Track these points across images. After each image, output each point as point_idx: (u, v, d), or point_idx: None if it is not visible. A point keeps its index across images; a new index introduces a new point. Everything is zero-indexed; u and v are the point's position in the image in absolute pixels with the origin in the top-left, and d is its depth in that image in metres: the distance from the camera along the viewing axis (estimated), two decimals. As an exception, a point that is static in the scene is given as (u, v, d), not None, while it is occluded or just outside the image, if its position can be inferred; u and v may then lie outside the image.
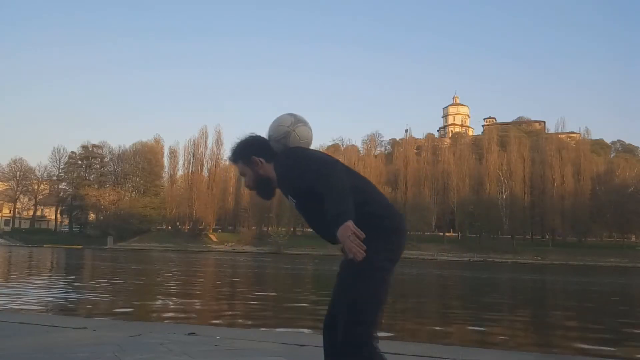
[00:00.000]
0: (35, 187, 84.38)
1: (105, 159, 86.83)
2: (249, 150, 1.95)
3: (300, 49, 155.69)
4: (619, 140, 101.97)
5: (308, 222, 1.88)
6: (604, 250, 62.91)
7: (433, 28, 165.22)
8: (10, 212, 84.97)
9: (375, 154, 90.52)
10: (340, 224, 1.54)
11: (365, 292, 1.63)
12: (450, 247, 67.03)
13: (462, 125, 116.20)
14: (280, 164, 1.86)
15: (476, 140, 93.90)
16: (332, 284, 1.78)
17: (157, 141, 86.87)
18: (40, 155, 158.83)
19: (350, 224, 1.53)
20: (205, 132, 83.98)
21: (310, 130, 1.97)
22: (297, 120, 1.93)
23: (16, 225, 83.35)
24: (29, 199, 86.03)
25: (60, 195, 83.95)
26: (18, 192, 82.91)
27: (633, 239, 69.41)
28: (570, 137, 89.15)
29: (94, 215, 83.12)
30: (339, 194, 1.60)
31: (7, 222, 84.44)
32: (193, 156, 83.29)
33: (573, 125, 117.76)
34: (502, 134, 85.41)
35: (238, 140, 2.00)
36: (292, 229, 75.77)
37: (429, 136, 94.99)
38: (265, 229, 75.06)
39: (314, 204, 1.72)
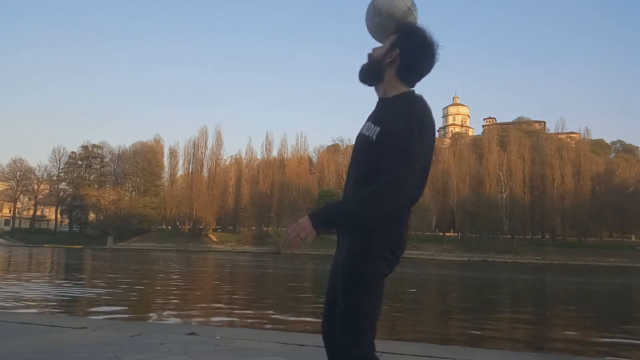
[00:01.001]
0: (35, 187, 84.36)
1: (105, 159, 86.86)
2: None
3: (299, 49, 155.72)
4: (619, 140, 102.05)
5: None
6: (604, 250, 62.90)
7: (433, 28, 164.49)
8: (10, 212, 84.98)
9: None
10: (317, 219, 1.44)
11: (369, 298, 1.53)
12: (450, 247, 67.01)
13: (462, 125, 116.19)
14: (418, 121, 1.52)
15: (476, 140, 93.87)
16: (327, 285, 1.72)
17: (157, 141, 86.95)
18: (40, 155, 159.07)
19: (308, 224, 1.43)
20: (205, 132, 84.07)
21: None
22: (414, 4, 1.67)
23: (16, 225, 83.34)
24: (29, 199, 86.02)
25: (60, 195, 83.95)
26: (18, 192, 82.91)
27: (633, 239, 69.38)
28: (570, 137, 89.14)
29: (94, 215, 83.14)
30: (378, 209, 1.44)
31: (7, 222, 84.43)
32: (193, 156, 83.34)
33: (573, 125, 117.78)
34: (502, 134, 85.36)
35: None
36: (292, 229, 75.67)
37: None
38: (265, 229, 75.06)
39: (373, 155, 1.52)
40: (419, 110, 1.55)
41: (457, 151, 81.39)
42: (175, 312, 8.51)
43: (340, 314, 1.53)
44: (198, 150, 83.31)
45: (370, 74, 1.67)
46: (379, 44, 1.70)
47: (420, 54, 1.61)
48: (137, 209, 75.98)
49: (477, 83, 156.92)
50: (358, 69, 1.69)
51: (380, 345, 1.70)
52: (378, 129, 1.54)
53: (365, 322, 1.51)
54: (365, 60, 1.70)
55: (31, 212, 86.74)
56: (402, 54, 1.60)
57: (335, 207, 1.51)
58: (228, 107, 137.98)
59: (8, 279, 14.80)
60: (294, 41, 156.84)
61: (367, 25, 1.71)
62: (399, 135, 1.48)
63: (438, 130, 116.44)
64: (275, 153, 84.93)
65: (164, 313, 8.37)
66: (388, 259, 1.54)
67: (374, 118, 1.61)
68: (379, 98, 1.67)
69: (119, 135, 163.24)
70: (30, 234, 77.88)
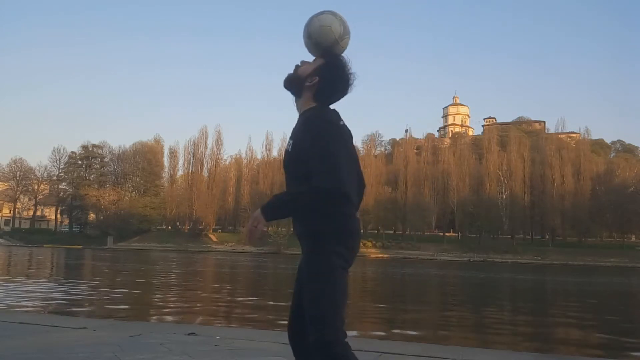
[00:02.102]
0: (35, 187, 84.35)
1: (105, 159, 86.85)
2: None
3: (299, 49, 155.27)
4: (619, 140, 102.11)
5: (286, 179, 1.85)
6: (604, 250, 62.92)
7: (433, 28, 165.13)
8: (10, 212, 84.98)
9: (375, 154, 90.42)
10: (266, 209, 1.64)
11: (328, 290, 1.65)
12: (450, 247, 67.01)
13: (462, 125, 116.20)
14: (312, 129, 1.72)
15: (476, 140, 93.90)
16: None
17: (157, 141, 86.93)
18: (40, 155, 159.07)
19: (260, 216, 1.64)
20: (205, 132, 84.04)
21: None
22: (346, 33, 1.84)
23: (16, 225, 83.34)
24: (29, 199, 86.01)
25: (60, 195, 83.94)
26: (18, 192, 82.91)
27: (633, 239, 69.41)
28: (570, 137, 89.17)
29: (94, 215, 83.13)
30: (301, 204, 1.67)
31: (7, 222, 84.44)
32: (193, 156, 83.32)
33: (573, 125, 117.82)
34: (502, 134, 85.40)
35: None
36: (292, 229, 75.51)
37: (429, 136, 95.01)
38: (265, 229, 74.79)
39: (296, 172, 1.73)
40: (314, 121, 1.75)
41: (457, 151, 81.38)
42: (175, 312, 8.51)
43: (306, 307, 1.66)
44: (198, 150, 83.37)
45: (292, 88, 1.86)
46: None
47: (336, 85, 1.82)
48: (137, 209, 75.98)
49: (477, 83, 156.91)
50: (285, 75, 1.88)
51: (380, 345, 1.70)
52: (292, 142, 1.78)
53: (327, 310, 1.62)
54: (292, 70, 1.87)
55: (31, 212, 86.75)
56: (321, 82, 1.80)
57: (278, 197, 1.71)
58: (228, 107, 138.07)
59: (8, 279, 14.80)
60: (294, 41, 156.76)
61: (303, 40, 1.89)
62: (302, 147, 1.70)
63: (438, 130, 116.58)
64: (275, 153, 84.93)
65: (164, 313, 8.37)
66: (341, 253, 1.67)
67: (293, 133, 1.82)
68: (298, 112, 1.86)
69: (119, 135, 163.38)
70: (30, 234, 77.88)
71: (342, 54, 1.84)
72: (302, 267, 1.72)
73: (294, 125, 1.85)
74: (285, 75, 1.86)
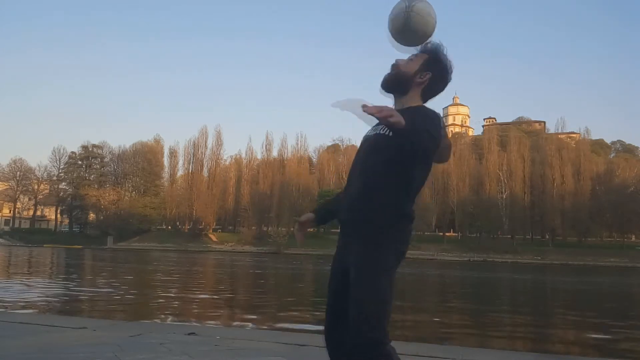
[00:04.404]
0: (35, 187, 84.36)
1: (105, 159, 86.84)
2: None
3: (300, 49, 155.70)
4: (619, 140, 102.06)
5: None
6: (604, 250, 62.92)
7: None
8: (10, 212, 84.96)
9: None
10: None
11: (382, 287, 1.60)
12: (450, 247, 67.01)
13: (462, 125, 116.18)
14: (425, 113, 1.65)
15: (476, 140, 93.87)
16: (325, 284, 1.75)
17: (157, 141, 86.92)
18: (40, 155, 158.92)
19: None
20: (205, 132, 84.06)
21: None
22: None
23: (16, 225, 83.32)
24: (29, 199, 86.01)
25: (60, 195, 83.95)
26: (18, 192, 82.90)
27: (633, 239, 69.40)
28: (570, 137, 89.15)
29: (94, 215, 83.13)
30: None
31: (7, 222, 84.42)
32: (193, 156, 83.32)
33: (573, 125, 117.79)
34: (502, 134, 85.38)
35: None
36: (292, 229, 75.68)
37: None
38: (265, 229, 75.03)
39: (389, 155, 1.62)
40: (437, 117, 1.66)
41: (457, 151, 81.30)
42: (175, 312, 8.51)
43: (354, 303, 1.58)
44: (198, 150, 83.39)
45: (397, 87, 1.77)
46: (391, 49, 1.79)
47: (445, 80, 1.79)
48: (137, 209, 75.99)
49: (477, 83, 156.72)
50: (382, 77, 1.78)
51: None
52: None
53: (378, 308, 1.57)
54: (386, 68, 1.79)
55: (31, 212, 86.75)
56: (432, 79, 1.76)
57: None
58: (228, 107, 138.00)
59: (8, 279, 14.80)
60: (294, 41, 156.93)
61: (395, 36, 1.76)
62: (425, 121, 1.58)
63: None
64: (275, 153, 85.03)
65: (164, 313, 8.37)
66: (397, 254, 1.65)
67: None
68: (396, 109, 1.69)
69: (119, 135, 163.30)
70: (30, 234, 77.87)
71: (440, 44, 1.78)
72: (356, 264, 1.62)
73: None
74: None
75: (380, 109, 1.42)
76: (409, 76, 1.75)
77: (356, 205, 1.70)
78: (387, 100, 1.80)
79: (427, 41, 1.76)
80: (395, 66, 1.78)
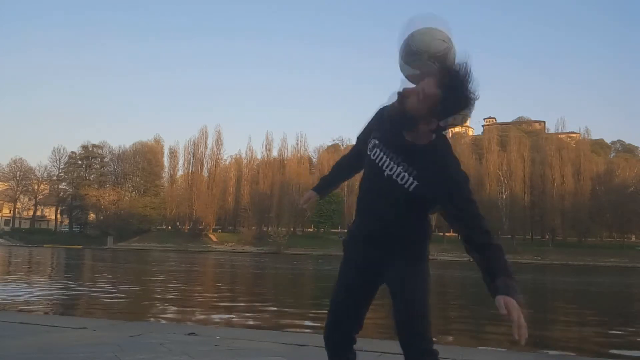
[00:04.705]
0: (35, 187, 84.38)
1: (105, 159, 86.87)
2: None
3: (300, 49, 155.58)
4: (619, 140, 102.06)
5: (369, 199, 1.74)
6: (604, 250, 62.91)
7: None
8: (10, 212, 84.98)
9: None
10: (513, 293, 1.48)
11: (428, 297, 1.71)
12: (450, 247, 66.83)
13: (462, 125, 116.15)
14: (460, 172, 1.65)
15: (476, 140, 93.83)
16: (328, 284, 1.78)
17: (157, 141, 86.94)
18: (40, 155, 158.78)
19: (516, 303, 1.49)
20: (205, 132, 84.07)
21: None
22: (450, 38, 1.62)
23: (16, 225, 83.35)
24: (29, 199, 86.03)
25: (60, 195, 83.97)
26: (18, 192, 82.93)
27: (633, 239, 69.38)
28: (570, 137, 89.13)
29: (94, 215, 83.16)
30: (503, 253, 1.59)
31: (7, 222, 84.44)
32: (193, 156, 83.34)
33: (573, 125, 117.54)
34: (502, 134, 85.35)
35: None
36: (292, 229, 75.79)
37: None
38: (265, 229, 75.05)
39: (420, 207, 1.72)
40: (457, 163, 1.68)
41: (457, 151, 79.43)
42: (175, 312, 8.51)
43: (412, 316, 1.67)
44: (198, 150, 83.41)
45: (404, 127, 1.63)
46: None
47: (465, 109, 1.57)
48: (137, 209, 76.02)
49: (477, 83, 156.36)
50: (389, 107, 1.65)
51: (380, 345, 1.71)
52: (415, 182, 1.61)
53: (429, 319, 1.70)
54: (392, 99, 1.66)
55: (31, 212, 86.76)
56: (443, 114, 1.57)
57: (502, 267, 1.56)
58: (228, 107, 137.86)
59: (8, 279, 14.80)
60: (295, 41, 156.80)
61: (404, 69, 1.67)
62: (462, 190, 1.62)
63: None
64: (275, 153, 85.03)
65: (164, 313, 8.37)
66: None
67: (405, 165, 1.63)
68: (405, 141, 1.64)
69: (119, 135, 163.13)
70: (30, 234, 77.89)
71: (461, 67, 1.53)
72: (406, 274, 1.72)
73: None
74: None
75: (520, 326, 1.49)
76: (415, 121, 1.58)
77: (390, 226, 1.73)
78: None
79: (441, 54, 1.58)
80: (400, 95, 1.60)
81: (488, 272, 1.54)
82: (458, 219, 1.61)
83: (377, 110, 1.83)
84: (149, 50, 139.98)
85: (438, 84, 1.52)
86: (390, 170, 1.65)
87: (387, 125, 1.68)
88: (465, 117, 1.57)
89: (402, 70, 1.67)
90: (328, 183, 2.10)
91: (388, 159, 1.66)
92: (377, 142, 1.72)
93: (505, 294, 1.47)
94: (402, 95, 1.58)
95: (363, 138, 1.85)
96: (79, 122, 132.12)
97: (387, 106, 1.73)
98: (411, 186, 1.61)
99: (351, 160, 2.01)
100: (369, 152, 1.74)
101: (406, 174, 1.62)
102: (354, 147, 1.98)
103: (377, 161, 1.69)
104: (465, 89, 1.52)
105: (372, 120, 1.85)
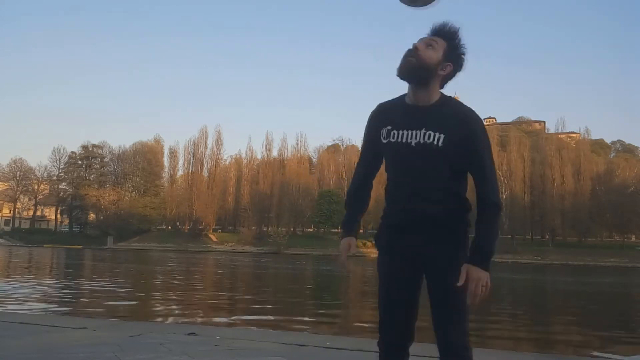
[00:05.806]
0: (35, 187, 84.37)
1: (105, 159, 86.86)
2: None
3: (300, 49, 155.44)
4: (619, 140, 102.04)
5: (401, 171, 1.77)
6: (604, 250, 62.92)
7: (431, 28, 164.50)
8: (10, 212, 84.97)
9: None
10: (488, 265, 1.68)
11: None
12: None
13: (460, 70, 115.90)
14: (481, 128, 1.74)
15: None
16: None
17: (157, 141, 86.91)
18: (40, 155, 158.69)
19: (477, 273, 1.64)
20: (205, 132, 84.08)
21: None
22: None
23: (16, 225, 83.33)
24: (29, 199, 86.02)
25: (60, 195, 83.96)
26: (18, 192, 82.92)
27: (633, 239, 69.36)
28: (570, 137, 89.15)
29: (94, 215, 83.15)
30: (498, 232, 1.73)
31: (7, 222, 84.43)
32: (193, 156, 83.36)
33: (573, 125, 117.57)
34: (502, 134, 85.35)
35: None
36: (292, 229, 75.78)
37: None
38: (265, 229, 75.07)
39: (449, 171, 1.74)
40: (479, 120, 1.76)
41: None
42: (175, 312, 8.51)
43: (454, 311, 1.75)
44: (198, 150, 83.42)
45: (417, 79, 1.69)
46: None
47: (461, 69, 1.77)
48: (137, 209, 76.00)
49: (477, 83, 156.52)
50: (401, 63, 1.68)
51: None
52: (442, 136, 1.65)
53: (469, 310, 1.76)
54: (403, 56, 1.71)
55: (31, 212, 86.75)
56: (453, 70, 1.73)
57: (484, 242, 1.76)
58: (228, 107, 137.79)
59: (8, 279, 14.80)
60: (295, 41, 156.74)
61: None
62: (483, 143, 1.73)
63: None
64: (275, 153, 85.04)
65: (164, 313, 8.37)
66: None
67: (426, 124, 1.67)
68: (418, 103, 1.71)
69: (119, 135, 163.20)
70: (30, 234, 77.88)
71: (458, 28, 1.72)
72: (450, 262, 1.72)
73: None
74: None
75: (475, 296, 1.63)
76: (431, 68, 1.66)
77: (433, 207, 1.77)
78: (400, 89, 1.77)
79: (446, 23, 1.71)
80: (414, 52, 1.66)
81: (474, 240, 1.73)
82: (479, 167, 1.76)
83: (370, 114, 1.86)
84: (149, 50, 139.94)
85: (449, 49, 1.71)
86: (416, 137, 1.68)
87: (393, 108, 1.77)
88: (463, 61, 1.75)
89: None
90: (352, 219, 1.94)
91: (408, 131, 1.69)
92: (390, 127, 1.73)
93: (471, 263, 1.65)
94: (417, 47, 1.67)
95: (370, 146, 1.86)
96: (79, 122, 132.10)
97: (382, 103, 1.82)
98: (439, 141, 1.65)
99: (361, 182, 1.97)
100: (384, 140, 1.74)
101: (431, 132, 1.66)
102: (363, 162, 1.93)
103: (399, 140, 1.71)
104: (463, 63, 1.75)
105: (369, 123, 1.85)
